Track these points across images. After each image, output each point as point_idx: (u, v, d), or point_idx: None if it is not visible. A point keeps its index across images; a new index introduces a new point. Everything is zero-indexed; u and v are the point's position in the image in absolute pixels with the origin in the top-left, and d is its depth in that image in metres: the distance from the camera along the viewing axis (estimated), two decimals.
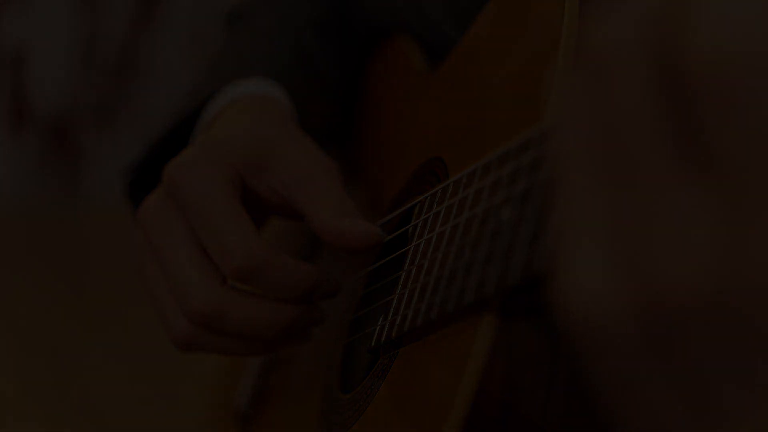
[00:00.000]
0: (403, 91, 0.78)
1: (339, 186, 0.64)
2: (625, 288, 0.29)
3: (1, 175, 2.39)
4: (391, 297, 0.61)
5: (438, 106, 0.69)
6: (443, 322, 0.53)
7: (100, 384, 1.88)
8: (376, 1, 0.84)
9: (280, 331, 0.62)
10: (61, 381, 1.91)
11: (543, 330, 0.49)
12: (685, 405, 0.29)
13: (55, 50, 2.36)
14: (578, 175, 0.30)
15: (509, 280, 0.47)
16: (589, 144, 0.30)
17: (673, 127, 0.28)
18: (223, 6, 0.95)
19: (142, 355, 1.84)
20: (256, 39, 0.84)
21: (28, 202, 2.40)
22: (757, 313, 0.27)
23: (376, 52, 0.84)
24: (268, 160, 0.65)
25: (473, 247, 0.51)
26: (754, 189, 0.27)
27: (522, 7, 0.60)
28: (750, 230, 0.27)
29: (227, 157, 0.64)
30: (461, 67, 0.67)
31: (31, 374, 1.94)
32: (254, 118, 0.69)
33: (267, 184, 0.65)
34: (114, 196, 0.93)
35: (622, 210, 0.29)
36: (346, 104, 0.84)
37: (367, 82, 0.85)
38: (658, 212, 0.28)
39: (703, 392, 0.29)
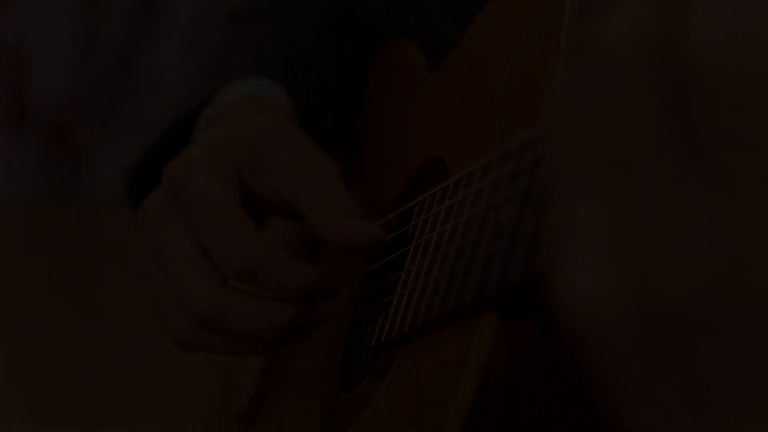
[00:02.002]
0: (403, 91, 0.78)
1: (339, 186, 0.64)
2: (625, 287, 0.29)
3: (1, 175, 2.39)
4: (391, 297, 0.61)
5: (438, 106, 0.69)
6: (443, 322, 0.53)
7: (100, 383, 1.88)
8: (376, 1, 0.84)
9: (280, 331, 0.62)
10: (61, 380, 1.90)
11: (543, 330, 0.49)
12: (685, 405, 0.29)
13: (55, 50, 2.36)
14: (578, 175, 0.30)
15: (509, 280, 0.47)
16: (589, 143, 0.30)
17: (673, 127, 0.28)
18: (223, 6, 0.95)
19: (142, 355, 1.84)
20: (258, 40, 0.84)
21: (28, 202, 2.39)
22: (757, 312, 0.27)
23: (376, 52, 0.84)
24: (268, 160, 0.65)
25: (473, 247, 0.51)
26: (754, 188, 0.27)
27: (522, 7, 0.60)
28: (750, 229, 0.27)
29: (227, 157, 0.64)
30: (461, 67, 0.67)
31: (31, 374, 1.94)
32: (254, 119, 0.69)
33: (267, 184, 0.65)
34: (114, 196, 0.93)
35: (622, 209, 0.29)
36: (346, 104, 0.84)
37: (368, 82, 0.85)
38: (658, 211, 0.28)
39: (702, 392, 0.29)
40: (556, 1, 0.55)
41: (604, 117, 0.29)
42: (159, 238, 0.63)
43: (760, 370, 0.28)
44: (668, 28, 0.28)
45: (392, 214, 0.67)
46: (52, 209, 2.39)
